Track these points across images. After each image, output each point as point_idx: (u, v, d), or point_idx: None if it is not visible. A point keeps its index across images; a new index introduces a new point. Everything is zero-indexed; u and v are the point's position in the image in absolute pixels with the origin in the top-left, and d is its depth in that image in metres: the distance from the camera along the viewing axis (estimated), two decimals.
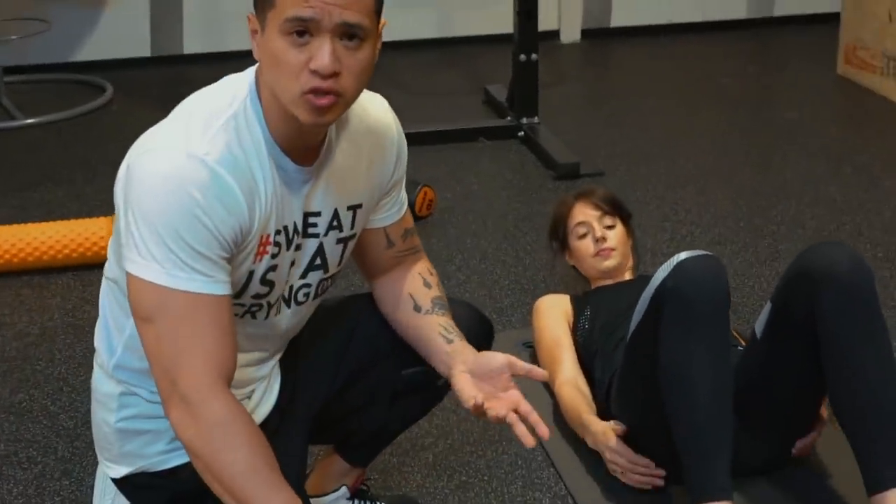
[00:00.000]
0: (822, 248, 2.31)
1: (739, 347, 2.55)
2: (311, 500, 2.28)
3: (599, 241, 2.84)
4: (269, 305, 1.91)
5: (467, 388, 1.91)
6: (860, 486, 2.21)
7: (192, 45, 5.90)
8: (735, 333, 2.66)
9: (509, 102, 4.88)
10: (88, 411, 2.80)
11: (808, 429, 2.46)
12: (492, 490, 2.51)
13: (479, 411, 1.87)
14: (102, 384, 1.99)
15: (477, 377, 1.93)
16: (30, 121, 5.07)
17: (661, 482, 2.39)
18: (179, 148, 1.70)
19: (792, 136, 4.76)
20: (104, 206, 3.89)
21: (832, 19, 5.64)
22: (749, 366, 2.41)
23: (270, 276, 1.85)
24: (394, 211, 2.07)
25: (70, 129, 5.01)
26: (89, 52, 5.79)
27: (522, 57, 4.66)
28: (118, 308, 1.91)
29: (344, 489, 2.32)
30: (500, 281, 3.52)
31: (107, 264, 1.94)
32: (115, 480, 2.00)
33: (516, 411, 1.88)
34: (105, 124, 5.07)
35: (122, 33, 5.79)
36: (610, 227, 2.87)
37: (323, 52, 1.67)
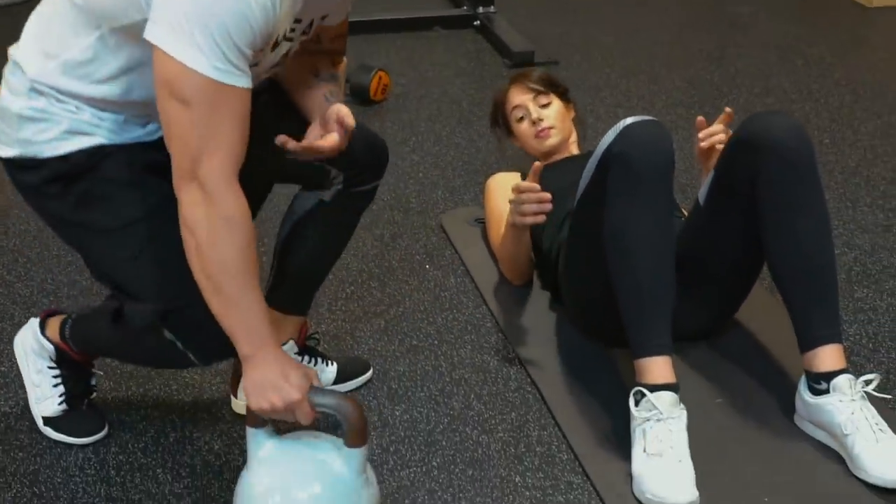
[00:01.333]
0: (763, 116, 2.35)
1: (682, 218, 2.62)
2: None
3: (536, 122, 2.88)
4: None
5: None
6: (794, 347, 2.30)
7: None
8: (682, 209, 2.73)
9: None
10: (44, 280, 2.88)
11: (745, 295, 2.54)
12: (441, 353, 2.58)
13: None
14: (15, 83, 2.00)
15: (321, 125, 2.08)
16: None
17: (549, 206, 2.47)
18: None
19: (746, 30, 4.82)
20: None
21: None
22: (691, 233, 2.47)
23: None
24: (340, 14, 2.13)
25: None
26: None
27: None
28: (69, 29, 1.93)
29: (291, 343, 2.37)
30: (453, 162, 3.57)
31: None
32: (2, 158, 2.04)
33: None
34: None
35: None
36: (545, 106, 2.90)
37: None
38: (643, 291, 2.22)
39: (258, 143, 1.88)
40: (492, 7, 4.78)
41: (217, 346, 1.94)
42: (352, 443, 1.85)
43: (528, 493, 2.14)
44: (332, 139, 2.03)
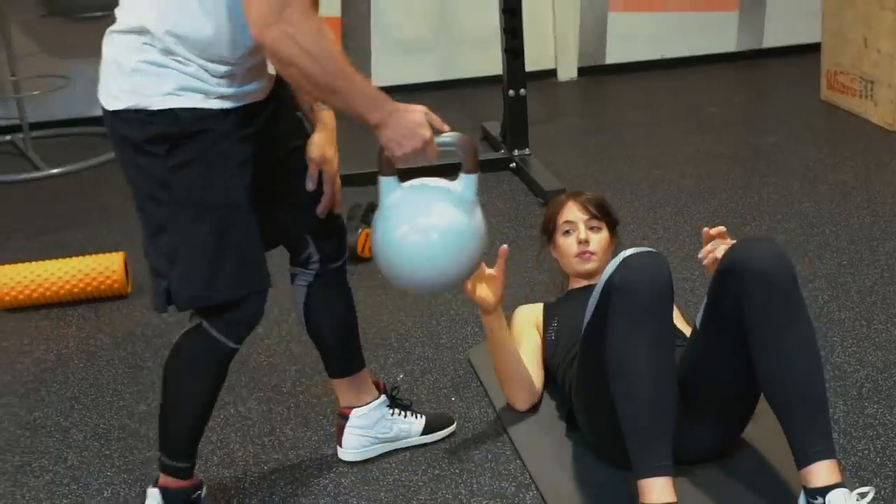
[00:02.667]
0: (746, 243, 2.46)
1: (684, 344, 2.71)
2: (354, 411, 2.73)
3: (582, 243, 2.97)
4: None
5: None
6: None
7: None
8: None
9: (502, 136, 5.09)
10: (98, 425, 3.03)
11: (748, 416, 2.62)
12: (462, 482, 2.67)
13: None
14: (127, 39, 2.21)
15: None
16: (53, 171, 5.32)
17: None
18: None
19: (772, 159, 4.93)
20: (119, 245, 4.12)
21: (815, 49, 5.81)
22: (690, 357, 2.57)
23: None
24: None
25: (90, 178, 5.25)
26: None
27: (511, 92, 4.88)
28: None
29: (383, 398, 2.75)
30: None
31: None
32: (111, 112, 2.22)
33: None
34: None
35: None
36: (595, 230, 3.01)
37: None
38: (644, 415, 2.32)
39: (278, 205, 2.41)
40: (527, 150, 4.96)
41: (245, 328, 2.35)
42: (469, 169, 2.34)
43: None
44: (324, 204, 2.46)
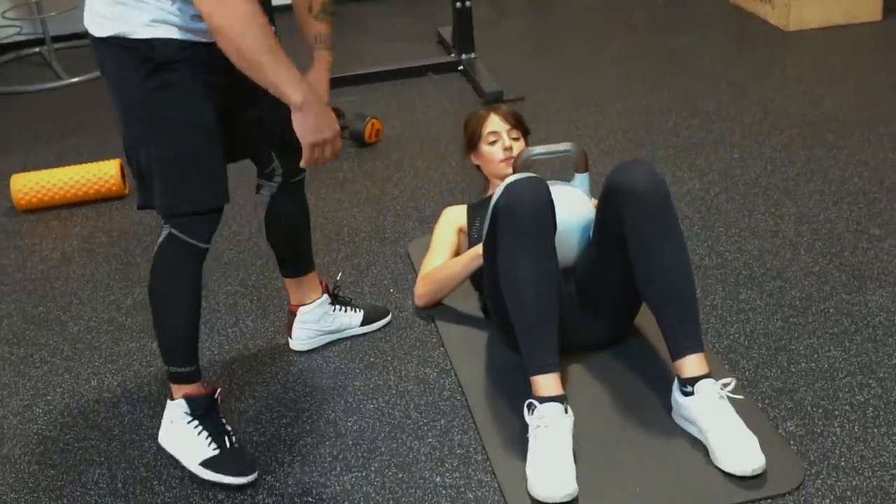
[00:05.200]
0: (624, 166, 2.28)
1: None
2: (301, 308, 2.58)
3: (507, 149, 2.78)
4: None
5: None
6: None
7: None
8: None
9: (453, 42, 4.82)
10: (91, 318, 2.89)
11: (635, 312, 2.48)
12: (392, 368, 2.55)
13: None
14: None
15: None
16: (73, 80, 5.07)
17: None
18: None
19: (682, 59, 4.67)
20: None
21: None
22: (587, 262, 2.41)
23: None
24: None
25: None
26: None
27: (458, 4, 4.59)
28: None
29: (325, 297, 2.60)
30: (426, 194, 3.52)
31: None
32: (97, 38, 2.07)
33: None
34: None
35: None
36: (515, 140, 2.82)
37: None
38: (530, 321, 2.18)
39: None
40: (473, 54, 4.70)
41: (208, 229, 2.19)
42: (581, 169, 2.49)
43: (444, 492, 2.11)
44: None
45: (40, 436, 2.41)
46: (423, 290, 2.74)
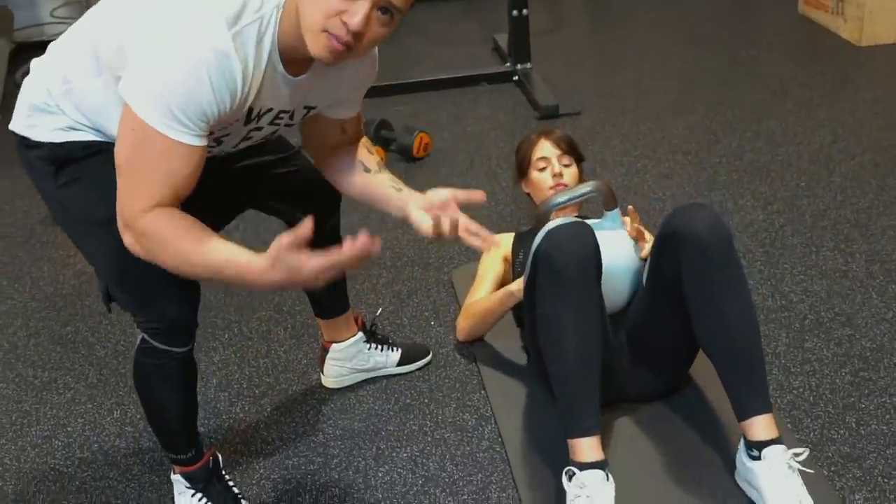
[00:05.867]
0: (684, 211, 2.08)
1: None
2: (334, 345, 2.43)
3: (556, 176, 2.59)
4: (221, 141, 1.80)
5: (423, 219, 1.84)
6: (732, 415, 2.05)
7: None
8: None
9: (508, 50, 4.64)
10: (119, 341, 2.78)
11: (690, 362, 2.29)
12: (429, 412, 2.39)
13: (437, 231, 1.80)
14: (42, 81, 1.82)
15: (427, 211, 1.85)
16: None
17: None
18: (206, 39, 1.53)
19: (747, 74, 4.44)
20: None
21: None
22: (637, 311, 2.23)
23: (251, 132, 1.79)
24: (352, 108, 1.96)
25: None
26: None
27: (515, 12, 4.41)
28: (83, 63, 1.75)
29: (360, 334, 2.45)
30: (475, 215, 3.25)
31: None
32: (14, 133, 1.84)
33: (466, 229, 1.83)
34: None
35: None
36: (567, 166, 2.64)
37: (359, 14, 1.53)
38: (570, 380, 1.99)
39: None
40: (528, 64, 4.52)
41: (179, 336, 1.87)
42: (609, 206, 2.30)
43: None
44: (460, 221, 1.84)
45: (57, 472, 2.29)
46: (463, 324, 2.58)
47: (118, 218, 1.63)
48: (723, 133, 3.83)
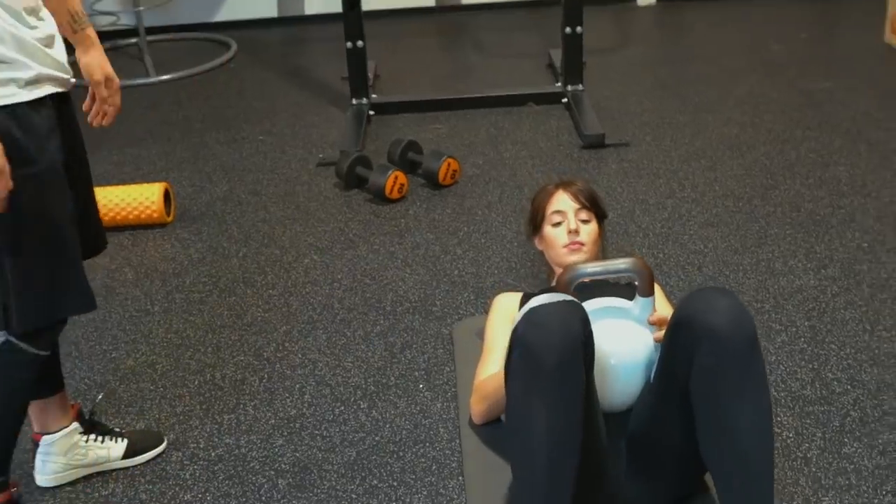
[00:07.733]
0: (704, 295, 1.72)
1: None
2: (45, 437, 2.12)
3: (572, 233, 2.26)
4: None
5: None
6: None
7: (313, 5, 5.46)
8: None
9: (560, 69, 4.29)
10: (84, 378, 2.52)
11: (696, 476, 1.92)
12: (396, 499, 2.08)
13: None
14: None
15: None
16: (161, 78, 4.77)
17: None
18: None
19: (819, 109, 4.01)
20: (183, 163, 3.57)
21: None
22: (641, 411, 1.87)
23: None
24: None
25: (190, 87, 4.68)
26: (224, 13, 5.44)
27: (568, 30, 4.06)
28: None
29: (76, 424, 2.14)
30: (492, 258, 3.02)
31: None
32: None
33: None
34: (219, 82, 4.71)
35: None
36: (585, 222, 2.29)
37: None
38: (537, 489, 1.65)
39: None
40: (580, 86, 4.16)
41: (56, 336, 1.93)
42: (645, 293, 1.89)
43: None
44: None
45: None
46: (477, 407, 2.18)
47: None
48: (782, 177, 3.43)
